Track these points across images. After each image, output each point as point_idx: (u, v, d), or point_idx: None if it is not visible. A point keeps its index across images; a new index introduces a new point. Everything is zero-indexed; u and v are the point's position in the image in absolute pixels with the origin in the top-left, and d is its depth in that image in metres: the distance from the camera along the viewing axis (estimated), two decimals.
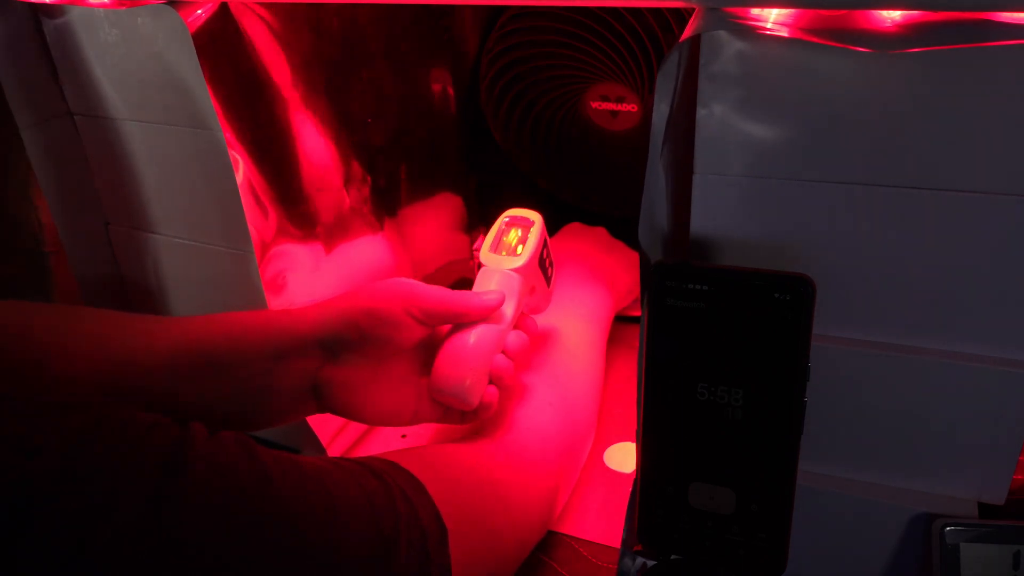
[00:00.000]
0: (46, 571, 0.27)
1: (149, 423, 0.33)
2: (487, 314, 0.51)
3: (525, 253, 0.54)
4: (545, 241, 0.57)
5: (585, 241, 0.79)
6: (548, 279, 0.59)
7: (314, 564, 0.34)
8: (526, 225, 0.56)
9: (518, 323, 0.55)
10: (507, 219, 0.57)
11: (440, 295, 0.49)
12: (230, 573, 0.31)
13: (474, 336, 0.50)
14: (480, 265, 0.55)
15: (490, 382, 0.51)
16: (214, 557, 0.31)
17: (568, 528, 0.57)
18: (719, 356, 0.37)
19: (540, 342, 0.61)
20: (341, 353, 0.47)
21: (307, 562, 0.33)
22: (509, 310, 0.52)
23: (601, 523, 0.57)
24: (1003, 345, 0.38)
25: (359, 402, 0.49)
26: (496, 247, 0.56)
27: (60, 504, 0.28)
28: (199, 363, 0.45)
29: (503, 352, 0.52)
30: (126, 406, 0.34)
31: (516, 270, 0.54)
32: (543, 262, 0.57)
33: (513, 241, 0.56)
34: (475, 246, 0.87)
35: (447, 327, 0.52)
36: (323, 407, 0.49)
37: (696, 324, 0.37)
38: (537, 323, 0.57)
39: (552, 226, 0.83)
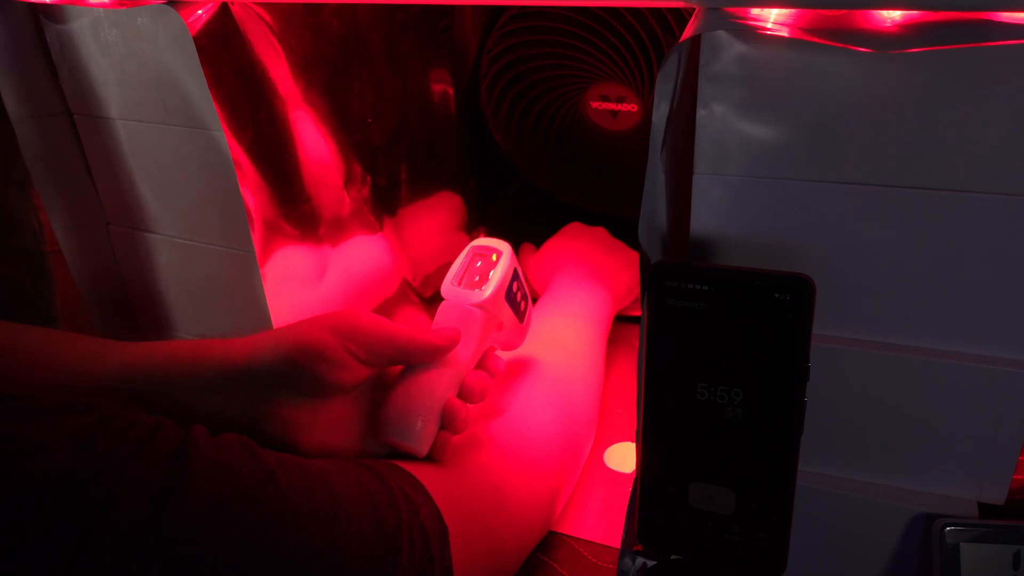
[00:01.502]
0: (49, 570, 0.27)
1: (153, 424, 0.33)
2: (437, 354, 0.47)
3: (489, 286, 0.50)
4: (515, 273, 0.53)
5: (585, 241, 0.79)
6: (520, 314, 0.54)
7: (317, 564, 0.34)
8: (493, 256, 0.52)
9: (483, 361, 0.51)
10: (472, 249, 0.53)
11: (386, 332, 0.45)
12: (233, 572, 0.31)
13: (427, 377, 0.46)
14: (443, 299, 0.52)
15: (444, 427, 0.47)
16: (217, 557, 0.31)
17: (568, 528, 0.57)
18: (719, 356, 0.36)
19: (530, 356, 0.59)
20: (275, 389, 0.43)
21: (310, 562, 0.33)
22: (468, 349, 0.48)
23: (601, 523, 0.57)
24: (1003, 345, 0.38)
25: (295, 442, 0.43)
26: (459, 280, 0.52)
27: (64, 504, 0.28)
28: (139, 390, 0.43)
29: (461, 393, 0.48)
30: (130, 408, 0.34)
31: (478, 305, 0.50)
32: (512, 296, 0.52)
33: (478, 273, 0.52)
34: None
35: (399, 366, 0.48)
36: (261, 444, 0.44)
37: (696, 324, 0.37)
38: (503, 361, 0.53)
39: (552, 226, 0.83)
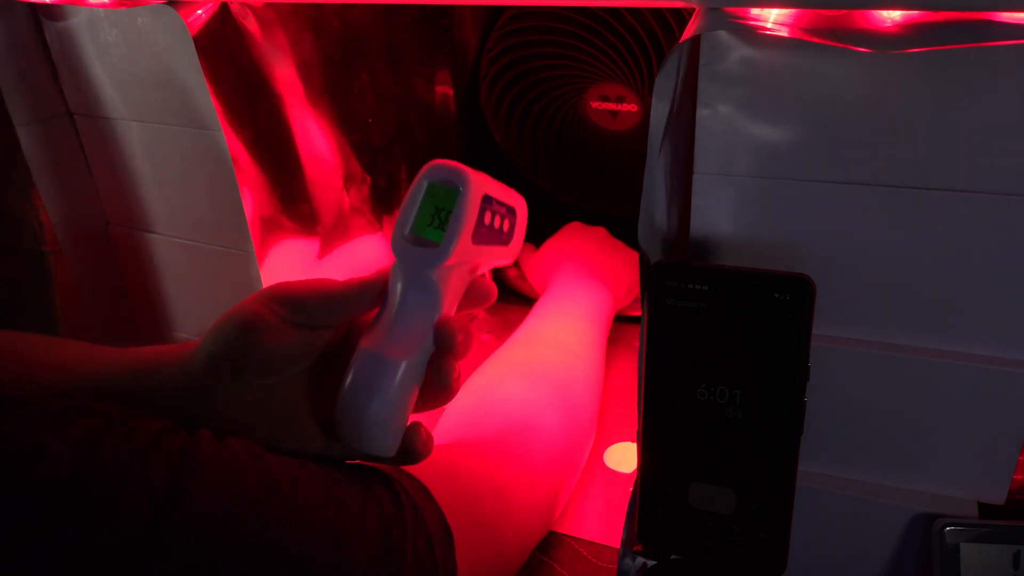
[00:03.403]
0: (51, 573, 0.27)
1: (157, 429, 0.33)
2: (368, 295, 0.40)
3: (449, 238, 0.38)
4: (484, 201, 0.40)
5: (585, 241, 0.79)
6: (505, 237, 0.42)
7: (320, 568, 0.34)
8: (448, 193, 0.39)
9: (470, 290, 0.42)
10: (421, 184, 0.39)
11: (311, 284, 0.40)
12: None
13: (382, 360, 0.37)
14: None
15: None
16: (219, 560, 0.31)
17: (568, 528, 0.57)
18: (719, 356, 0.36)
19: (529, 342, 0.57)
20: (221, 379, 0.39)
21: (313, 566, 0.33)
22: (427, 325, 0.39)
23: (601, 523, 0.57)
24: (1003, 345, 0.38)
25: (249, 430, 0.38)
26: (409, 227, 0.39)
27: (66, 506, 0.28)
28: (112, 396, 0.39)
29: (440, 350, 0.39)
30: (134, 412, 0.34)
31: (436, 270, 0.38)
32: (485, 231, 0.40)
33: (433, 220, 0.39)
34: None
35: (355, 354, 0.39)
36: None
37: (696, 324, 0.37)
38: (493, 287, 0.43)
39: (552, 226, 0.83)
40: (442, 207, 0.39)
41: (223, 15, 0.51)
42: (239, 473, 0.33)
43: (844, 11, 0.36)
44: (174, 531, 0.30)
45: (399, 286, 0.39)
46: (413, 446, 0.39)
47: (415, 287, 0.39)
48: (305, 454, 0.40)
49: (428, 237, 0.39)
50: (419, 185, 0.39)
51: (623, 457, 0.64)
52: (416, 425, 0.40)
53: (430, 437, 0.41)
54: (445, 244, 0.38)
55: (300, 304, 0.39)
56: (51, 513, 0.28)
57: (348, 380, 0.38)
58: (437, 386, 0.40)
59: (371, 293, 0.40)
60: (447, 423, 0.55)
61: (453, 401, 0.45)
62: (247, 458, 0.34)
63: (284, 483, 0.34)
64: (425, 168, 0.40)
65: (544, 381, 0.58)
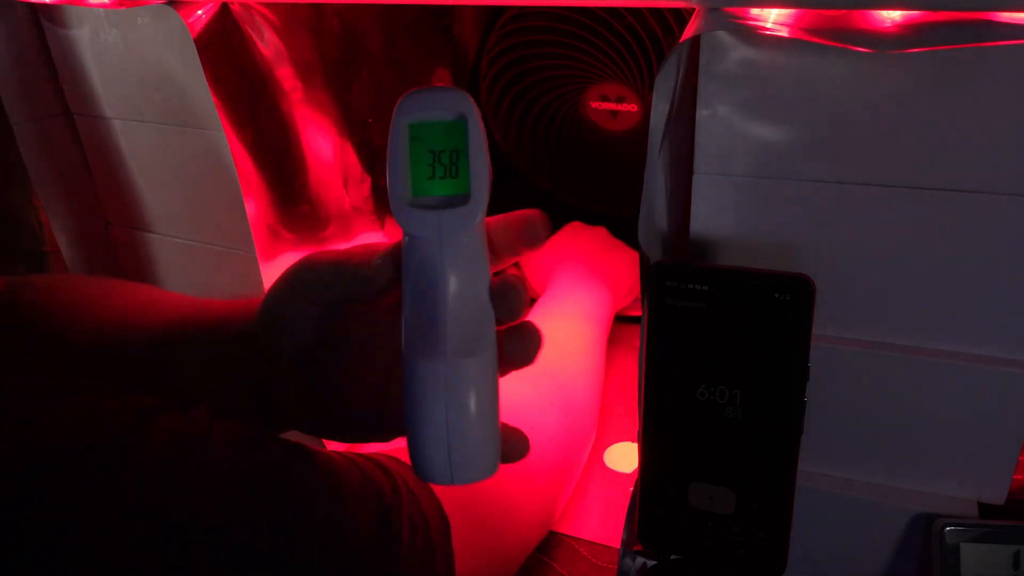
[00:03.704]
0: (50, 559, 0.27)
1: (151, 408, 0.32)
2: (385, 268, 0.33)
3: (478, 184, 0.30)
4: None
5: (585, 241, 0.80)
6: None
7: (319, 548, 0.33)
8: (442, 129, 0.31)
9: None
10: (405, 129, 0.32)
11: (328, 253, 0.36)
12: (234, 556, 0.31)
13: (459, 368, 0.30)
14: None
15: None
16: (217, 541, 0.31)
17: (568, 528, 0.57)
18: (719, 356, 0.36)
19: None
20: (259, 354, 0.38)
21: (312, 546, 0.33)
22: (483, 297, 0.31)
23: (601, 523, 0.57)
24: (1003, 345, 0.38)
25: (306, 413, 0.38)
26: (409, 190, 0.31)
27: (62, 489, 0.28)
28: (174, 348, 0.40)
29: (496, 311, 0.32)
30: (128, 390, 0.33)
31: (476, 227, 0.30)
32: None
33: (434, 170, 0.31)
34: None
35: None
36: (267, 410, 0.39)
37: (696, 324, 0.37)
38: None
39: (552, 226, 0.83)
40: (440, 148, 0.31)
41: (223, 15, 0.51)
42: (236, 451, 0.33)
43: (844, 11, 0.36)
44: (172, 512, 0.29)
45: (432, 263, 0.30)
46: (514, 455, 0.35)
47: (457, 257, 0.30)
48: (357, 440, 0.39)
49: (436, 194, 0.31)
50: (399, 131, 0.32)
51: (623, 457, 0.64)
52: (515, 430, 0.35)
53: (526, 443, 0.36)
54: (477, 192, 0.30)
55: (315, 273, 0.36)
56: (48, 496, 0.28)
57: (418, 411, 0.30)
58: (519, 358, 0.35)
59: (389, 263, 0.34)
60: None
61: None
62: (244, 437, 0.34)
63: (282, 461, 0.34)
64: (400, 103, 0.31)
65: (544, 381, 0.58)
